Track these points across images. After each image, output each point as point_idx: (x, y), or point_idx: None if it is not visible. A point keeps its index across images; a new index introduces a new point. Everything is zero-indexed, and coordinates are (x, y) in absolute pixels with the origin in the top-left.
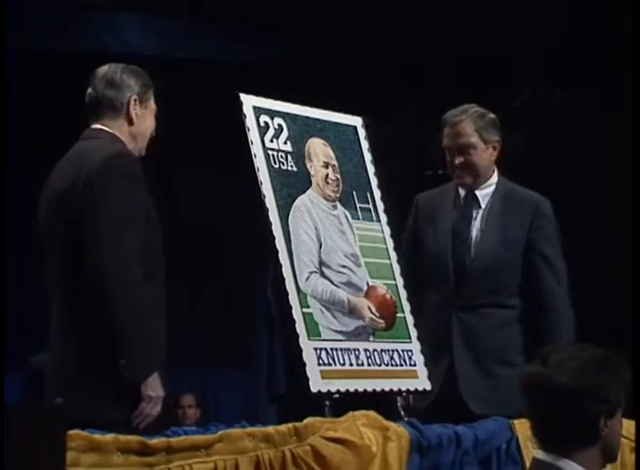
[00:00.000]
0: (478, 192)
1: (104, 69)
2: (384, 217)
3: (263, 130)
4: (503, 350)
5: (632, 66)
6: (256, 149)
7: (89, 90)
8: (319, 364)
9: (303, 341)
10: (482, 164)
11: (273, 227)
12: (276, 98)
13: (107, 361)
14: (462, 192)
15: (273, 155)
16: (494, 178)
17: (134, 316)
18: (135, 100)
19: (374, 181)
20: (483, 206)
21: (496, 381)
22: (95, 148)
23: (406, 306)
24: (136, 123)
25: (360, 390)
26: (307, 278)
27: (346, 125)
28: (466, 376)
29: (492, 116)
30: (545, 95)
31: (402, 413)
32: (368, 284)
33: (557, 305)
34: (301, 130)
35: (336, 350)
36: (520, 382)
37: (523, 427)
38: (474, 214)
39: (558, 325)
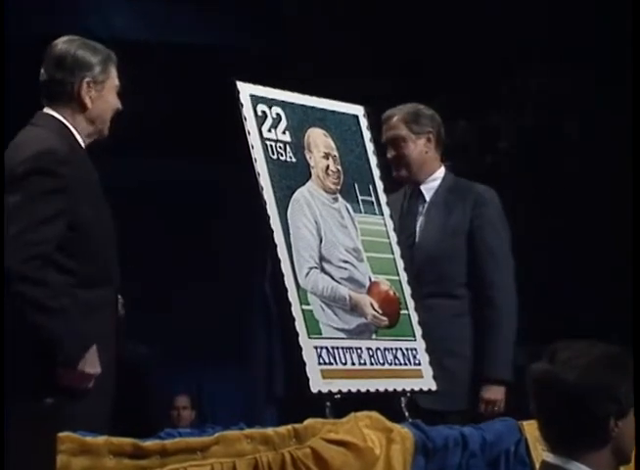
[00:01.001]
0: (422, 186)
1: (56, 46)
2: (386, 210)
3: (261, 120)
4: (453, 341)
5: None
6: (254, 139)
7: (41, 70)
8: (320, 363)
9: (303, 339)
10: (414, 157)
11: (271, 221)
12: (274, 86)
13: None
14: (408, 189)
15: (271, 145)
16: (440, 173)
17: (46, 311)
18: (89, 83)
19: (376, 173)
20: (428, 199)
21: (446, 374)
22: (31, 139)
23: (410, 303)
24: (92, 107)
25: (362, 390)
26: (307, 274)
27: (348, 115)
28: None
29: (427, 110)
30: (548, 81)
31: (406, 414)
32: (370, 280)
33: (494, 296)
34: (301, 120)
35: (337, 348)
36: (527, 381)
37: (532, 428)
38: (419, 209)
39: (494, 317)
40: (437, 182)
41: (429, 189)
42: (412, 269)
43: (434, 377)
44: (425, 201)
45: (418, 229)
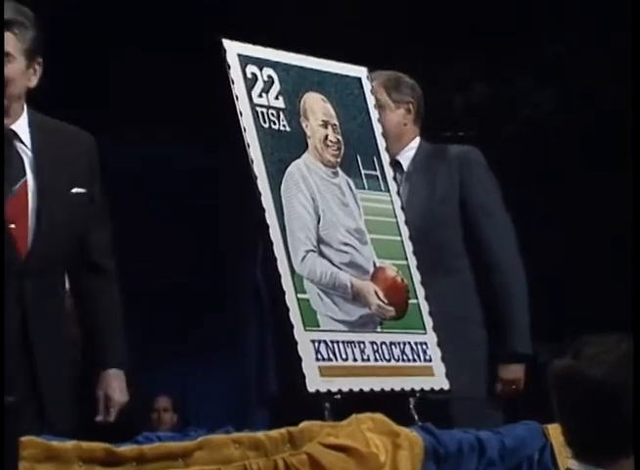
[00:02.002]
0: (399, 157)
1: None
2: (393, 186)
3: (250, 83)
4: (455, 321)
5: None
6: (242, 105)
7: None
8: (317, 359)
9: (299, 332)
10: (391, 126)
11: (262, 198)
12: (266, 44)
13: None
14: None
15: (262, 112)
16: (416, 142)
17: None
18: None
19: (382, 143)
20: (406, 168)
21: (458, 361)
22: None
23: (420, 291)
24: None
25: (366, 389)
26: (303, 258)
27: (349, 77)
28: None
29: (408, 79)
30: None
31: (415, 417)
32: (375, 265)
33: (499, 262)
34: (296, 83)
35: (337, 342)
36: (548, 379)
37: (558, 433)
38: (399, 180)
39: (502, 285)
40: (413, 151)
41: (406, 158)
42: None
43: (448, 375)
44: (402, 171)
45: (402, 200)
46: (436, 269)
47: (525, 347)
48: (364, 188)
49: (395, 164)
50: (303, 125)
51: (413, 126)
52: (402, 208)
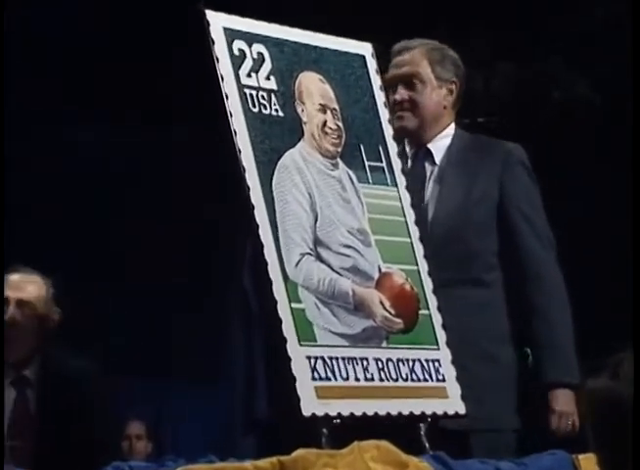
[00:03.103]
0: (431, 145)
1: None
2: (401, 180)
3: (238, 61)
4: (484, 341)
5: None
6: (228, 87)
7: None
8: (314, 379)
9: (293, 347)
10: (430, 106)
11: (252, 193)
12: (255, 17)
13: None
14: (410, 149)
15: (251, 95)
16: (451, 129)
17: None
18: None
19: (388, 131)
20: (439, 161)
21: (475, 382)
22: None
23: (432, 301)
24: None
25: (369, 413)
26: (298, 262)
27: (352, 55)
28: None
29: (452, 53)
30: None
31: (426, 445)
32: (380, 270)
33: (541, 275)
34: (290, 61)
35: (336, 359)
36: (582, 402)
37: (589, 463)
38: (427, 174)
39: (545, 302)
40: (449, 139)
41: (439, 148)
42: (425, 250)
43: (464, 397)
44: (434, 163)
45: (429, 198)
46: (463, 280)
47: (573, 376)
48: (368, 182)
49: (426, 153)
50: (298, 110)
51: (451, 111)
52: (413, 205)
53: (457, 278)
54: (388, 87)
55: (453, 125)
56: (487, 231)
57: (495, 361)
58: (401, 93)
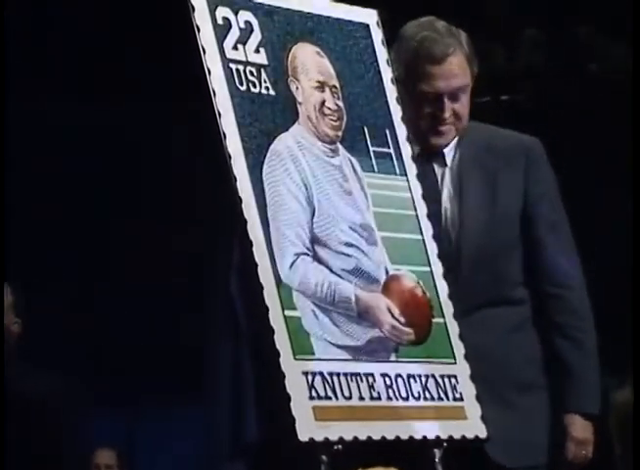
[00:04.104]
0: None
1: None
2: (411, 168)
3: (222, 31)
4: (519, 366)
5: None
6: (211, 61)
7: None
8: (311, 398)
9: (287, 361)
10: (468, 114)
11: (238, 184)
12: None
13: None
14: (414, 149)
15: (238, 70)
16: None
17: None
18: None
19: (396, 112)
20: (450, 162)
21: (515, 414)
22: None
23: (447, 307)
24: None
25: (375, 437)
26: (293, 263)
27: (354, 24)
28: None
29: (465, 34)
30: None
31: None
32: (388, 272)
33: (569, 296)
34: (282, 32)
35: (337, 375)
36: (609, 415)
37: None
38: (438, 178)
39: (574, 327)
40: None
41: (449, 147)
42: (448, 272)
43: (484, 418)
44: (445, 164)
45: (447, 210)
46: (493, 301)
47: (594, 406)
48: (373, 171)
49: (433, 155)
50: (292, 88)
51: None
52: (424, 197)
53: (489, 299)
54: (424, 97)
55: None
56: (514, 245)
57: (531, 388)
58: (448, 108)
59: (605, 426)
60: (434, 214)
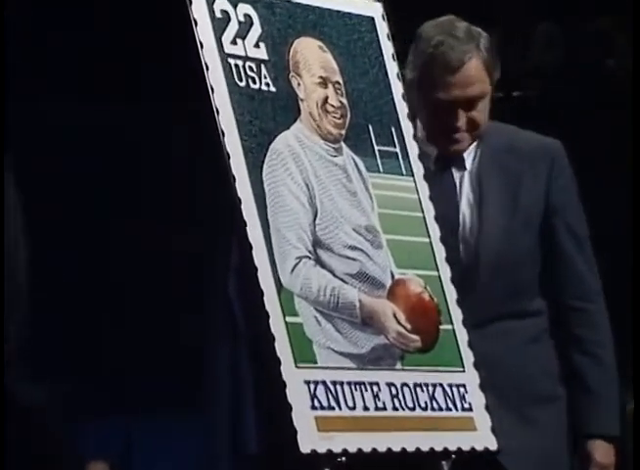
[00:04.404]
0: None
1: None
2: (419, 168)
3: (221, 25)
4: (535, 379)
5: None
6: (209, 56)
7: None
8: (314, 408)
9: (288, 370)
10: (486, 120)
11: (237, 185)
12: None
13: None
14: (431, 150)
15: (237, 65)
16: None
17: None
18: None
19: (402, 109)
20: (469, 166)
21: (533, 427)
22: None
23: (456, 313)
24: None
25: (381, 449)
26: (294, 267)
27: (358, 17)
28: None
29: (487, 36)
30: None
31: None
32: (393, 276)
33: (591, 309)
34: (284, 25)
35: (341, 384)
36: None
37: None
38: (457, 182)
39: (592, 340)
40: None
41: (468, 149)
42: (465, 281)
43: (495, 430)
44: (464, 168)
45: (466, 216)
46: (505, 308)
47: (615, 427)
48: (378, 171)
49: (452, 158)
50: (294, 84)
51: None
52: (432, 198)
53: (508, 311)
54: (439, 104)
55: None
56: (533, 254)
57: (549, 400)
58: (461, 118)
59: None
60: (452, 219)
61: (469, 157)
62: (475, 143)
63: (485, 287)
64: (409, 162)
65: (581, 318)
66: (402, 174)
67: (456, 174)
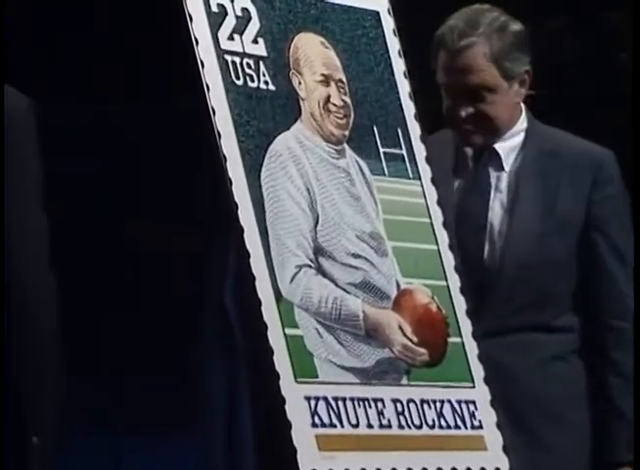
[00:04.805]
0: (498, 145)
1: None
2: (426, 172)
3: (217, 20)
4: (556, 399)
5: None
6: (204, 52)
7: None
8: (314, 425)
9: (287, 385)
10: (503, 115)
11: (234, 189)
12: None
13: None
14: (469, 147)
15: (234, 62)
16: (522, 122)
17: None
18: None
19: (409, 109)
20: (508, 167)
21: (546, 451)
22: None
23: (465, 325)
24: None
25: None
26: (294, 276)
27: (363, 11)
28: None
29: (517, 27)
30: None
31: None
32: (399, 286)
33: (627, 330)
34: (284, 20)
35: (343, 400)
36: None
37: None
38: (493, 182)
39: (625, 365)
40: (520, 137)
41: (507, 150)
42: (487, 284)
43: (506, 449)
44: (502, 168)
45: (497, 218)
46: (532, 325)
47: (628, 454)
48: (383, 174)
49: (491, 155)
50: (294, 82)
51: (522, 96)
52: (439, 203)
53: (530, 323)
54: (444, 91)
55: (524, 116)
56: (566, 267)
57: (567, 423)
58: (468, 109)
59: None
60: (481, 219)
61: (508, 158)
62: (518, 143)
63: (509, 292)
64: (416, 164)
65: (619, 339)
66: (409, 178)
67: (493, 174)
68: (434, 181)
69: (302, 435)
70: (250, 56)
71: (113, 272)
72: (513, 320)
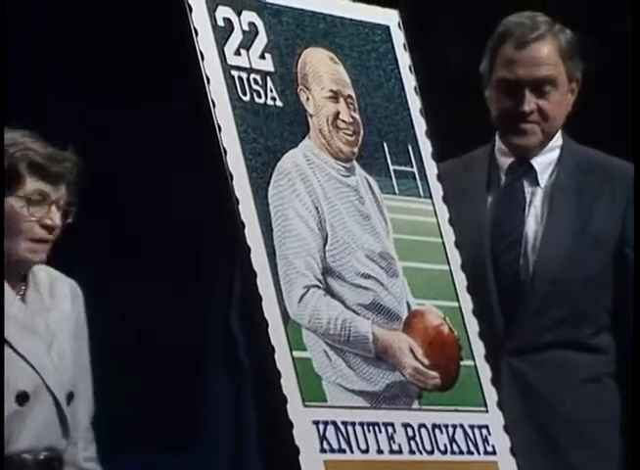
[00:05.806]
0: (534, 160)
1: None
2: (437, 190)
3: (223, 34)
4: (586, 423)
5: None
6: (210, 68)
7: None
8: (323, 451)
9: (295, 409)
10: (560, 117)
11: (241, 208)
12: None
13: None
14: (503, 161)
15: (241, 78)
16: (558, 139)
17: None
18: None
19: (420, 125)
20: (544, 182)
21: None
22: None
23: (478, 348)
24: None
25: None
26: (302, 297)
27: (372, 25)
28: (525, 461)
29: (578, 35)
30: None
31: None
32: (410, 307)
33: None
34: (292, 34)
35: (352, 424)
36: None
37: None
38: (527, 197)
39: None
40: (556, 153)
41: (544, 165)
42: (520, 299)
43: None
44: (537, 184)
45: (531, 233)
46: (564, 343)
47: None
48: (394, 192)
49: (527, 170)
50: (302, 98)
51: None
52: (452, 222)
53: (562, 340)
54: (502, 85)
55: (560, 133)
56: (601, 283)
57: (597, 447)
58: (530, 102)
59: None
60: (516, 233)
61: (544, 173)
62: (553, 159)
63: (541, 307)
64: (427, 182)
65: None
66: (420, 196)
67: (527, 189)
68: (444, 199)
69: (311, 460)
70: (257, 71)
71: (114, 288)
72: (546, 336)
